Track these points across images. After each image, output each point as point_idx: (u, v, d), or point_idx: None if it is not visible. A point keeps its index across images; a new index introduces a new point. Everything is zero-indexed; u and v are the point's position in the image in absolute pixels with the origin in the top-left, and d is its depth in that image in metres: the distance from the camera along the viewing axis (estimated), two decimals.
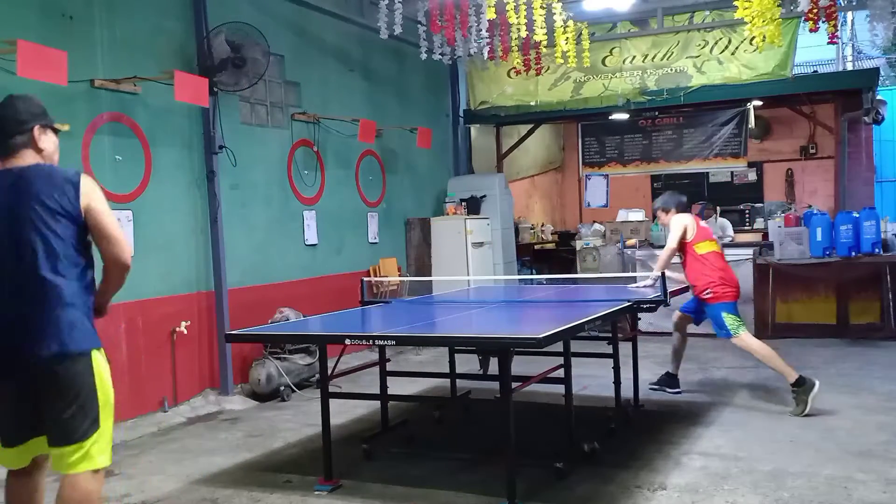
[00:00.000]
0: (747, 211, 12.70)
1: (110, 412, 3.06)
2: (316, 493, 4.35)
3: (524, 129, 12.02)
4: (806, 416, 5.46)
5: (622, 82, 10.03)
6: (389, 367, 5.52)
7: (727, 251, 9.07)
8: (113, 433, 3.11)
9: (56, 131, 3.23)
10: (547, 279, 7.78)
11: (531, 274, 10.88)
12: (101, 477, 3.06)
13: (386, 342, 4.33)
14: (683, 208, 6.27)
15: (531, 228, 12.39)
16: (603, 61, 10.09)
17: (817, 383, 5.55)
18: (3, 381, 2.99)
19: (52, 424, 2.96)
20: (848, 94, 9.96)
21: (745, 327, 5.97)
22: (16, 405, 3.01)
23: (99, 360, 3.03)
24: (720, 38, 9.53)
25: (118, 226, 3.14)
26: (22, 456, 3.08)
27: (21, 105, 3.16)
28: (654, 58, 9.87)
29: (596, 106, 10.24)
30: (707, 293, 5.92)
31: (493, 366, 4.98)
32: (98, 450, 2.99)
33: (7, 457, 3.09)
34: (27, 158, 3.10)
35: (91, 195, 3.05)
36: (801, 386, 5.55)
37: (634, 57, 9.97)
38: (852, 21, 15.35)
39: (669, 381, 6.42)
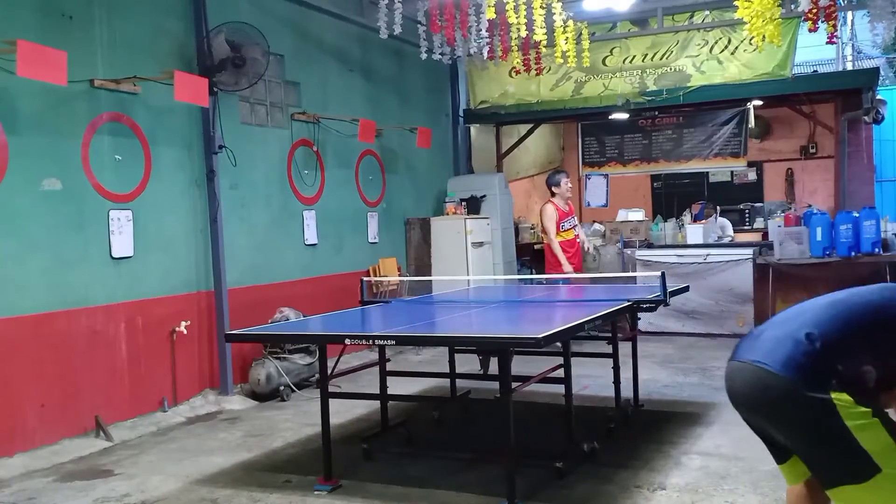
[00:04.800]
0: (747, 211, 12.66)
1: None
2: (315, 493, 4.36)
3: (524, 128, 12.00)
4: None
5: (622, 82, 10.02)
6: (389, 366, 5.52)
7: (727, 251, 9.17)
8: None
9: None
10: (547, 279, 7.76)
11: (531, 274, 10.87)
12: None
13: (386, 342, 4.32)
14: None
15: (531, 228, 12.36)
16: (603, 61, 10.09)
17: None
18: None
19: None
20: (848, 93, 9.94)
21: None
22: None
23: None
24: (720, 38, 9.52)
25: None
26: (789, 472, 2.86)
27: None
28: (653, 57, 9.87)
29: (596, 105, 10.23)
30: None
31: (493, 366, 4.98)
32: None
33: (783, 471, 2.90)
34: None
35: None
36: None
37: (634, 57, 9.97)
38: (852, 21, 15.34)
39: None
